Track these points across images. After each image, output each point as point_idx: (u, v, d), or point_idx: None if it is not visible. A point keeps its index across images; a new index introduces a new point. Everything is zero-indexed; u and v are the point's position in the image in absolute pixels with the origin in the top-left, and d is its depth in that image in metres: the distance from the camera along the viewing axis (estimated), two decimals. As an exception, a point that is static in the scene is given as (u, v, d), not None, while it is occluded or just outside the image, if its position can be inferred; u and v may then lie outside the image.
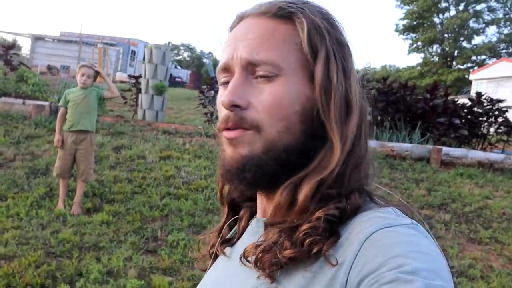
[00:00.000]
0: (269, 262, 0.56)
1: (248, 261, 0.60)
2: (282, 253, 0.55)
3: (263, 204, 0.68)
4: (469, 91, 22.13)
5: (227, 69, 0.64)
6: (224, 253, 0.72)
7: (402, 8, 37.18)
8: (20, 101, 8.59)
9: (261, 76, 0.61)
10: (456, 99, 9.37)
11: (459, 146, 8.26)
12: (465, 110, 8.91)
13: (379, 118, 8.37)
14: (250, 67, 0.61)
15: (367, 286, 0.47)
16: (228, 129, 0.62)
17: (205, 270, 0.78)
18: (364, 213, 0.57)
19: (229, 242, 0.73)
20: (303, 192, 0.58)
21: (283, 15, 0.62)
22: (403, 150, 7.31)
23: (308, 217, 0.57)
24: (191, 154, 6.53)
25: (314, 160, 0.60)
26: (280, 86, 0.60)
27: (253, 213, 0.73)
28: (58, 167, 4.64)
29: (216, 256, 0.75)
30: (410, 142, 7.94)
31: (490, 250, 4.41)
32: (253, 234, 0.66)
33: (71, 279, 3.23)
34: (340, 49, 0.62)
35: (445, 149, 7.41)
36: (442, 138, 8.46)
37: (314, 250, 0.54)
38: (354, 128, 0.60)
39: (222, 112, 0.63)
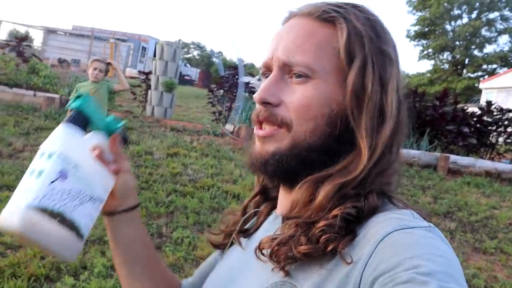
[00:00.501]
0: (284, 255, 0.56)
1: (263, 254, 0.61)
2: (298, 249, 0.55)
3: (282, 200, 0.69)
4: (478, 100, 21.98)
5: (267, 66, 0.67)
6: (239, 243, 0.73)
7: (414, 14, 37.06)
8: (31, 92, 8.66)
9: (296, 75, 0.63)
10: (465, 107, 9.31)
11: (467, 155, 8.21)
12: (475, 119, 8.86)
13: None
14: (286, 68, 0.64)
15: (382, 285, 0.47)
16: (259, 122, 0.65)
17: (216, 246, 0.80)
18: (382, 214, 0.57)
19: (246, 233, 0.75)
20: (324, 191, 0.59)
21: (326, 18, 0.63)
22: (410, 156, 7.28)
23: (325, 214, 0.57)
24: (198, 152, 6.55)
25: (339, 163, 0.61)
26: (312, 89, 0.62)
27: (273, 209, 0.74)
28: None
29: (231, 244, 0.76)
30: (418, 149, 7.90)
31: (495, 260, 4.38)
32: (270, 228, 0.67)
33: (75, 272, 3.25)
34: (380, 58, 0.62)
35: (452, 157, 7.37)
36: (450, 146, 8.41)
37: (330, 248, 0.54)
38: (385, 138, 0.61)
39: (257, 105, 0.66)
